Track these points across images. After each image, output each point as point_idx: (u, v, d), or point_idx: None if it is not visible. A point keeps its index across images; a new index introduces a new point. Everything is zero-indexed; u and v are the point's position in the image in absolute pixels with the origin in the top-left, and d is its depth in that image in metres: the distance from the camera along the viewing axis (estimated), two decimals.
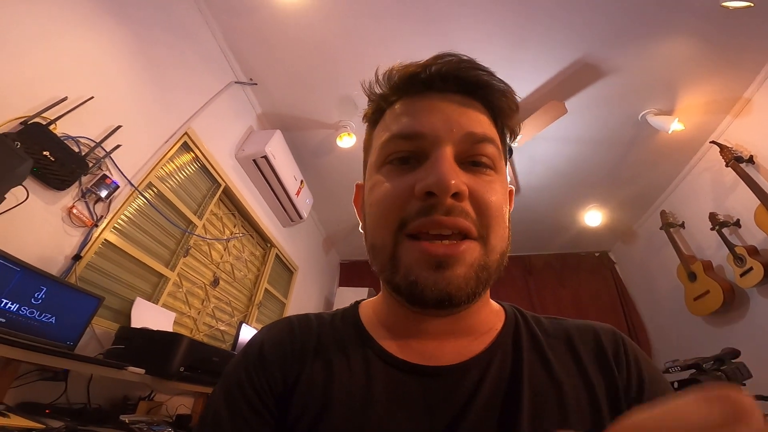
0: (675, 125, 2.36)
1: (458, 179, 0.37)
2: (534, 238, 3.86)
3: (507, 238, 0.43)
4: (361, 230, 0.49)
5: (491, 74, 0.44)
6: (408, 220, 0.39)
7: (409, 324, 0.45)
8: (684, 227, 3.00)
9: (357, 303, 0.54)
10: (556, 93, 2.28)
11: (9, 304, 1.22)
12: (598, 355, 0.43)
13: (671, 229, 3.00)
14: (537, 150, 2.69)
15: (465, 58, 0.44)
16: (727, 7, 1.76)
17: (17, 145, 1.05)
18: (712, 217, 2.60)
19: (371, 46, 2.11)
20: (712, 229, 2.59)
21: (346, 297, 3.86)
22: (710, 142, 2.59)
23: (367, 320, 0.49)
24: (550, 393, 0.39)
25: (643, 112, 2.45)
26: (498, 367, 0.41)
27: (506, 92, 0.45)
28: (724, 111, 2.44)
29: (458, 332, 0.44)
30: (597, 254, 4.08)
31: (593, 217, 3.39)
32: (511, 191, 0.47)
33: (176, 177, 2.04)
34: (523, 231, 3.73)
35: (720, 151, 2.46)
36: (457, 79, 0.43)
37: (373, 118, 0.49)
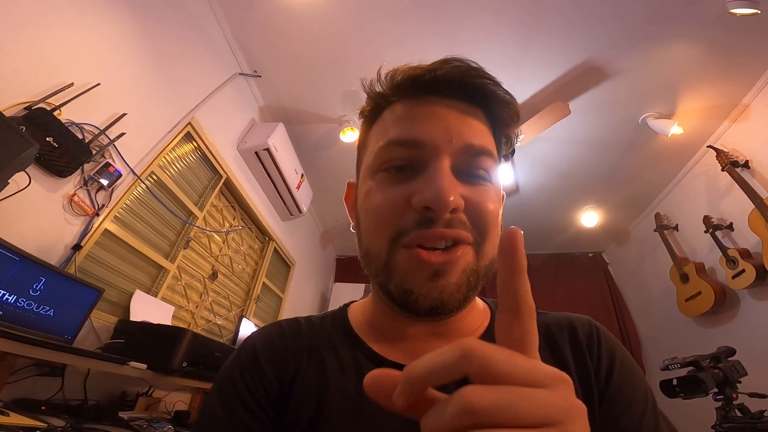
0: (675, 129, 2.39)
1: (456, 194, 0.37)
2: (531, 237, 3.89)
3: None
4: (352, 230, 0.49)
5: (497, 84, 0.43)
6: (405, 230, 0.39)
7: (397, 326, 0.45)
8: (678, 229, 3.06)
9: (346, 306, 0.54)
10: (560, 94, 2.29)
11: (6, 295, 1.17)
12: (573, 342, 0.45)
13: (665, 231, 3.04)
14: (538, 150, 2.70)
15: (473, 65, 0.43)
16: (734, 14, 1.79)
17: (22, 129, 1.00)
18: (706, 219, 2.65)
19: (377, 42, 2.09)
20: (705, 231, 2.64)
21: (342, 293, 3.83)
22: (707, 147, 2.63)
23: (355, 323, 0.49)
24: None
25: (644, 115, 2.48)
26: None
27: (510, 103, 0.44)
28: (723, 116, 2.49)
29: (446, 334, 0.45)
30: (591, 255, 4.13)
31: (589, 218, 3.43)
32: (502, 197, 0.48)
33: (178, 167, 1.99)
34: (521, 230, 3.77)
35: (716, 156, 2.50)
36: (462, 86, 0.42)
37: (371, 116, 0.48)
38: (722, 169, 2.46)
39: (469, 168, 0.41)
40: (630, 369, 0.43)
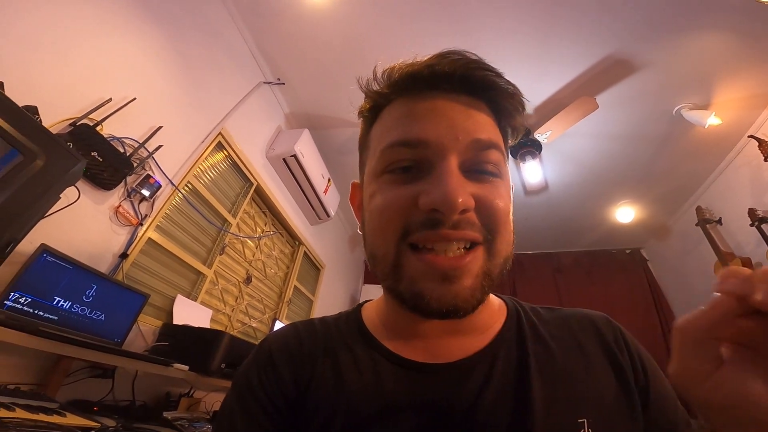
0: (712, 119, 2.27)
1: (465, 195, 0.36)
2: (563, 235, 3.78)
3: (512, 243, 0.42)
4: (359, 231, 0.48)
5: (498, 75, 0.42)
6: (411, 230, 0.38)
7: (412, 325, 0.45)
8: (721, 223, 2.89)
9: (360, 305, 0.54)
10: (586, 88, 2.21)
11: (62, 302, 1.26)
12: (601, 342, 0.44)
13: (708, 225, 2.88)
14: (567, 146, 2.62)
15: (472, 57, 0.41)
16: (761, 2, 1.68)
17: (69, 145, 1.07)
18: (752, 212, 2.49)
19: (395, 44, 2.10)
20: (751, 225, 2.48)
21: (371, 294, 3.76)
22: (748, 137, 2.48)
23: (369, 322, 0.49)
24: (559, 379, 0.40)
25: (678, 107, 2.36)
26: (504, 360, 0.42)
27: (513, 93, 0.43)
28: (762, 105, 2.34)
29: (462, 331, 0.44)
30: (628, 251, 3.96)
31: (625, 214, 3.29)
32: (512, 187, 0.47)
33: (212, 176, 2.07)
34: (551, 228, 3.66)
35: (759, 146, 2.36)
36: (464, 80, 0.41)
37: (370, 115, 0.47)
38: (765, 160, 2.31)
39: (478, 164, 0.40)
40: (653, 363, 0.44)
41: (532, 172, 2.58)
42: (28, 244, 1.15)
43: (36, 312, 1.18)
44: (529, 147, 2.39)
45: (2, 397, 0.88)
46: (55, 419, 0.88)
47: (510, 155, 2.21)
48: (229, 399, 0.45)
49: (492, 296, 0.49)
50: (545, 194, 3.16)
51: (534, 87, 2.21)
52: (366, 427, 0.39)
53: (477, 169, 0.40)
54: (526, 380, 0.39)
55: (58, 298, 1.25)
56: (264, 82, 2.40)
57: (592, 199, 3.22)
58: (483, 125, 0.41)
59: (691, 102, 2.32)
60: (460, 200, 0.36)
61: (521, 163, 2.51)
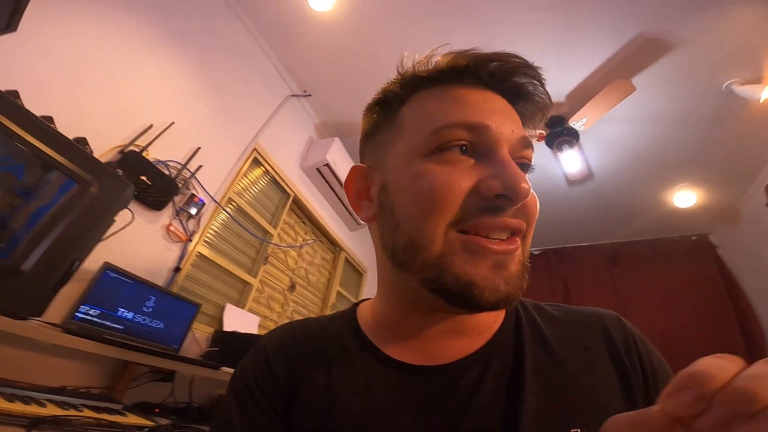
0: (766, 93, 2.04)
1: (529, 184, 0.37)
2: (615, 224, 3.53)
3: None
4: (363, 221, 0.47)
5: (540, 84, 0.43)
6: (466, 216, 0.36)
7: (414, 325, 0.44)
8: None
9: (355, 305, 0.53)
10: (619, 71, 2.07)
11: (126, 313, 1.40)
12: (608, 344, 0.42)
13: None
14: (608, 132, 2.46)
15: (526, 63, 0.42)
16: None
17: (119, 172, 1.20)
18: None
19: (412, 44, 2.04)
20: None
21: None
22: None
23: (364, 322, 0.48)
24: (557, 384, 0.38)
25: (726, 83, 2.14)
26: (500, 361, 0.40)
27: (542, 107, 0.45)
28: None
29: (459, 331, 0.43)
30: (694, 238, 3.61)
31: (685, 198, 3.01)
32: None
33: (251, 191, 2.20)
34: (601, 218, 3.44)
35: None
36: (508, 83, 0.42)
37: (401, 95, 0.45)
38: None
39: (521, 159, 0.41)
40: (667, 370, 0.41)
41: (571, 161, 2.46)
42: (93, 263, 1.30)
43: (103, 322, 1.33)
44: (565, 136, 2.28)
45: (73, 398, 1.00)
46: (117, 419, 0.98)
47: (546, 146, 2.10)
48: (227, 396, 0.46)
49: None
50: (591, 183, 2.99)
51: (562, 74, 2.11)
52: (355, 429, 0.38)
53: (520, 164, 0.40)
54: (520, 384, 0.38)
55: (121, 310, 1.40)
56: (291, 96, 2.50)
57: (644, 185, 2.99)
58: (522, 126, 0.43)
59: (740, 77, 2.10)
60: (528, 188, 0.36)
61: (558, 153, 2.40)
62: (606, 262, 3.78)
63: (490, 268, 0.36)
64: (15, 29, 1.01)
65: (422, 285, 0.39)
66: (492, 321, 0.45)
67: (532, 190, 0.38)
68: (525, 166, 0.42)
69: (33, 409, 0.86)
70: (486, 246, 0.36)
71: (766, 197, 2.63)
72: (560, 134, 2.29)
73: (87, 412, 0.97)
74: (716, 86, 2.15)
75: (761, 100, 2.07)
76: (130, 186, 1.17)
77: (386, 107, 0.46)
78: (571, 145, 2.33)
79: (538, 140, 2.35)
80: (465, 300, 0.35)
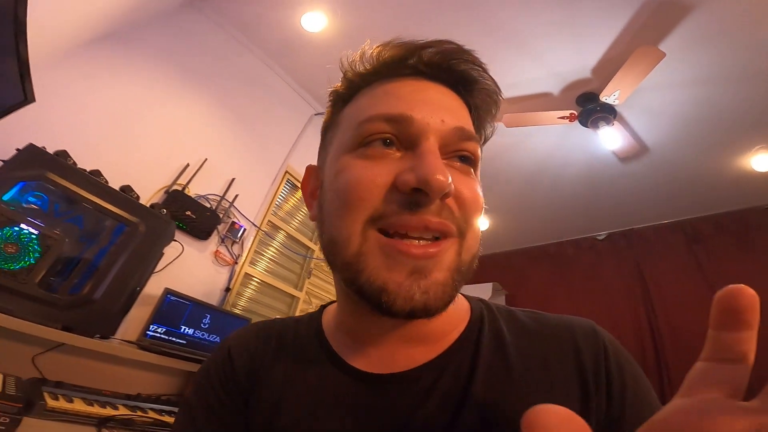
0: None
1: (449, 177, 0.33)
2: (688, 199, 3.13)
3: (479, 240, 0.39)
4: (311, 220, 0.46)
5: (483, 70, 0.41)
6: (385, 213, 0.34)
7: (364, 328, 0.42)
8: None
9: (323, 306, 0.52)
10: (642, 38, 1.86)
11: (186, 329, 1.64)
12: (575, 358, 0.38)
13: None
14: (651, 102, 2.22)
15: (459, 48, 0.40)
16: None
17: (163, 211, 1.43)
18: None
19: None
20: None
21: (471, 294, 3.78)
22: None
23: (327, 325, 0.47)
24: (507, 400, 0.35)
25: None
26: (452, 374, 0.38)
27: (492, 92, 0.42)
28: None
29: (416, 338, 0.40)
30: None
31: (764, 160, 2.58)
32: None
33: (288, 211, 2.39)
34: (670, 193, 3.09)
35: None
36: (449, 71, 0.40)
37: (345, 95, 0.45)
38: None
39: (459, 152, 0.38)
40: (643, 391, 0.37)
41: (612, 137, 2.26)
42: (157, 289, 1.55)
43: (169, 338, 1.57)
44: (599, 112, 2.12)
45: (144, 403, 1.22)
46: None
47: (580, 124, 1.95)
48: (190, 392, 0.47)
49: (457, 298, 0.43)
50: (648, 158, 2.71)
51: (580, 49, 1.95)
52: (309, 427, 0.39)
53: (459, 156, 0.38)
54: (468, 399, 0.35)
55: (183, 327, 1.64)
56: (315, 114, 2.61)
57: (712, 152, 2.62)
58: (465, 117, 0.40)
59: None
60: (448, 181, 0.33)
61: (596, 131, 2.23)
62: (685, 240, 3.35)
63: (407, 274, 0.33)
64: (33, 99, 1.09)
65: (346, 285, 0.37)
66: (450, 329, 0.42)
67: (472, 190, 0.37)
68: (465, 159, 0.38)
69: (107, 411, 1.07)
70: (402, 250, 0.33)
71: None
72: (593, 111, 2.14)
73: (151, 414, 1.17)
74: (765, 38, 1.84)
75: None
76: (171, 223, 1.39)
77: (334, 107, 0.47)
78: (608, 121, 2.15)
79: (569, 121, 2.22)
80: (378, 306, 0.33)
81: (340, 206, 0.36)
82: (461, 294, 0.44)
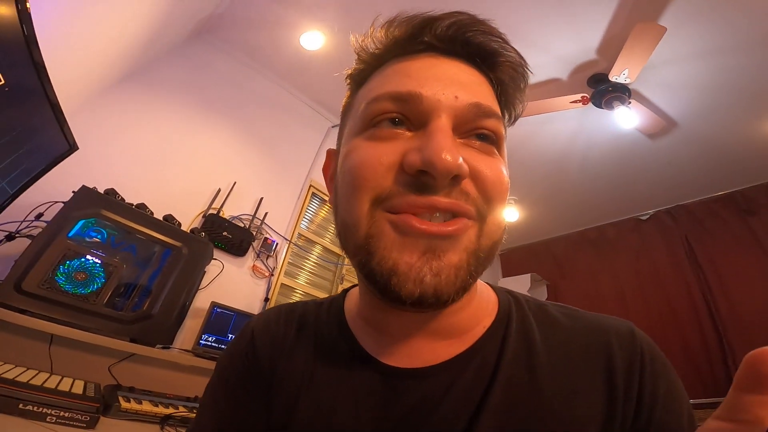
0: None
1: (458, 156, 0.31)
2: (731, 169, 2.92)
3: (503, 228, 0.36)
4: (329, 204, 0.44)
5: (504, 41, 0.38)
6: (391, 194, 0.32)
7: (384, 318, 0.40)
8: None
9: (345, 291, 0.50)
10: (640, 13, 1.81)
11: (233, 337, 1.83)
12: (607, 362, 0.35)
13: None
14: (668, 76, 2.13)
15: (477, 18, 0.37)
16: None
17: (202, 234, 1.63)
18: None
19: None
20: None
21: (509, 286, 3.70)
22: None
23: (348, 312, 0.46)
24: (528, 405, 0.34)
25: None
26: (474, 372, 0.36)
27: (518, 65, 0.38)
28: None
29: (440, 331, 0.38)
30: None
31: None
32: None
33: (317, 222, 2.55)
34: (710, 165, 2.91)
35: None
36: (465, 44, 0.37)
37: (359, 77, 0.43)
38: None
39: (477, 129, 0.35)
40: (678, 404, 0.34)
41: (630, 116, 2.19)
42: (205, 303, 1.75)
43: (219, 346, 1.76)
44: (611, 92, 2.08)
45: (198, 404, 1.40)
46: None
47: (594, 106, 1.94)
48: (213, 377, 0.48)
49: (484, 290, 0.43)
50: (679, 131, 2.58)
51: (580, 31, 1.92)
52: (320, 425, 0.38)
53: (477, 135, 0.35)
54: (487, 400, 0.34)
55: (231, 335, 1.83)
56: (332, 127, 2.71)
57: (749, 119, 2.45)
58: (484, 92, 0.37)
59: None
60: (459, 161, 0.30)
61: (611, 111, 2.17)
62: (738, 213, 3.12)
63: (420, 253, 0.31)
64: (77, 147, 1.17)
65: (359, 271, 0.36)
66: (474, 324, 0.40)
67: (494, 169, 0.34)
68: (485, 137, 0.35)
69: (168, 411, 1.26)
70: (413, 225, 0.31)
71: None
72: (606, 92, 2.10)
73: (181, 410, 1.34)
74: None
75: None
76: (209, 244, 1.58)
77: (351, 91, 0.45)
78: (623, 101, 2.10)
79: (583, 104, 2.19)
80: (387, 290, 0.31)
81: (348, 188, 0.35)
82: (488, 284, 0.44)
